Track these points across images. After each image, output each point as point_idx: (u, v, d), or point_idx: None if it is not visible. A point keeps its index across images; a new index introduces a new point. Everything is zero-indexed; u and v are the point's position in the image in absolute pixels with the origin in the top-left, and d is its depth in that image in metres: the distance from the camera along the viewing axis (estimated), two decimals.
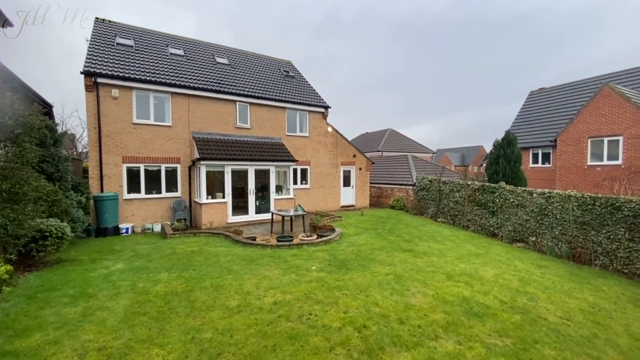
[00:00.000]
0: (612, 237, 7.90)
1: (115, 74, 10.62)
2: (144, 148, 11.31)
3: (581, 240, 8.59)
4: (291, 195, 13.40)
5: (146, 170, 11.44)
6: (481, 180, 13.24)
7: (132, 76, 10.87)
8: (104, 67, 10.67)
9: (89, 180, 10.52)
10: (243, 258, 6.93)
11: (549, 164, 17.54)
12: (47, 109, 13.72)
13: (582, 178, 14.06)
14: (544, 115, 19.34)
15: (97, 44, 11.88)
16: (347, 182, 16.58)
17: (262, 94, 13.76)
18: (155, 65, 12.25)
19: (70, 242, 6.70)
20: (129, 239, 9.26)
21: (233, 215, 11.99)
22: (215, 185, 11.99)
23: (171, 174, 11.94)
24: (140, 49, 12.90)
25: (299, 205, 14.63)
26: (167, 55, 13.34)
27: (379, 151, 29.03)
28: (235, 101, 13.12)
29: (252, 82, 14.36)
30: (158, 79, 11.40)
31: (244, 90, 13.33)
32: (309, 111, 15.13)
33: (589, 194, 8.55)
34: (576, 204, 8.73)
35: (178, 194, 12.04)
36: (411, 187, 16.05)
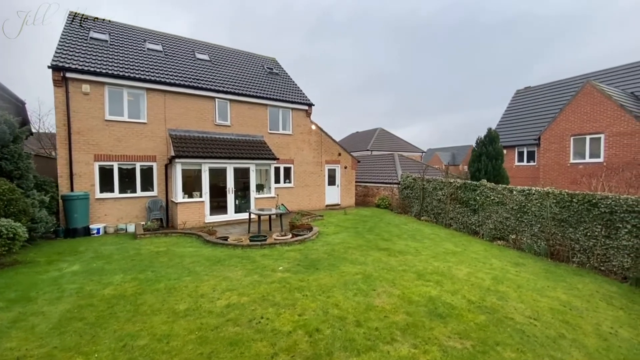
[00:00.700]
0: (589, 234, 7.79)
1: (86, 68, 10.23)
2: (117, 146, 10.93)
3: (559, 238, 8.48)
4: (272, 194, 13.13)
5: (120, 169, 11.07)
6: (464, 178, 13.13)
7: (103, 71, 10.50)
8: (74, 62, 10.27)
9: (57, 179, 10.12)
10: (209, 259, 6.65)
11: (534, 162, 17.54)
12: (19, 105, 13.29)
13: (565, 176, 14.04)
14: (530, 113, 19.36)
15: (69, 37, 11.47)
16: (332, 181, 16.36)
17: (242, 90, 13.46)
18: (131, 60, 11.87)
19: (35, 243, 6.35)
20: (97, 239, 8.90)
21: (211, 215, 11.67)
22: (193, 184, 11.65)
23: (147, 173, 11.58)
24: (116, 44, 12.51)
25: (282, 204, 14.38)
26: (144, 51, 12.97)
27: (368, 150, 28.93)
28: (214, 97, 12.80)
29: (233, 79, 14.05)
30: (132, 74, 11.03)
31: (223, 87, 13.02)
32: (292, 108, 14.87)
33: (567, 190, 8.44)
34: (554, 201, 8.62)
35: (154, 193, 11.69)
36: (396, 186, 15.89)
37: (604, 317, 4.97)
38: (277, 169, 14.36)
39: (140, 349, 3.21)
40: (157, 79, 11.51)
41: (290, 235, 8.53)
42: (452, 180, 12.18)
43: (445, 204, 12.25)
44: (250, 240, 8.09)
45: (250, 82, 14.46)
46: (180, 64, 13.28)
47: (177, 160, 10.75)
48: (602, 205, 7.50)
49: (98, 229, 10.10)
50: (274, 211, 9.79)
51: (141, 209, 11.35)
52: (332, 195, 16.35)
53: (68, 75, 9.99)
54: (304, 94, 15.72)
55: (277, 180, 14.39)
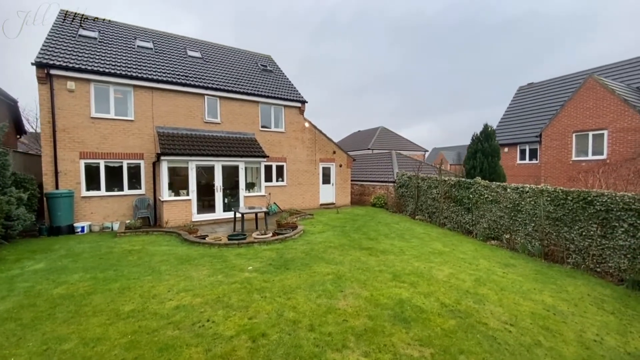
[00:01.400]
0: (584, 233, 7.34)
1: (70, 65, 10.13)
2: (103, 143, 10.82)
3: (554, 238, 8.04)
4: (262, 193, 12.90)
5: (107, 167, 10.96)
6: (460, 176, 12.69)
7: (88, 68, 10.39)
8: (59, 59, 10.19)
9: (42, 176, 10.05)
10: (180, 257, 6.43)
11: (537, 160, 16.95)
12: (11, 104, 13.33)
13: (567, 174, 13.48)
14: (532, 110, 18.75)
15: (57, 35, 11.40)
16: (326, 180, 16.05)
17: (232, 87, 13.26)
18: (119, 57, 11.76)
19: (13, 241, 6.18)
20: (77, 238, 8.77)
21: (199, 213, 11.50)
22: (180, 183, 11.48)
23: (134, 171, 11.45)
24: (105, 41, 12.43)
25: (274, 203, 14.15)
26: (133, 48, 12.86)
27: (369, 149, 28.51)
28: (203, 95, 12.62)
29: (224, 76, 13.86)
30: (118, 71, 10.91)
31: (213, 84, 12.83)
32: (285, 106, 14.62)
33: (561, 188, 8.00)
34: (548, 198, 8.18)
35: (142, 191, 11.55)
36: (392, 185, 15.52)
37: (591, 323, 4.57)
38: (269, 167, 14.13)
39: (62, 353, 2.98)
40: (144, 75, 11.37)
41: (270, 234, 8.27)
42: (446, 179, 11.76)
43: (439, 202, 11.84)
44: (229, 239, 7.85)
45: (242, 79, 14.25)
46: (171, 61, 13.14)
47: (162, 157, 10.59)
48: (598, 203, 7.05)
49: (82, 227, 9.99)
50: (256, 209, 9.53)
51: (128, 207, 11.22)
52: (327, 194, 16.05)
53: (52, 72, 9.90)
54: (297, 91, 15.46)
55: (269, 179, 14.16)
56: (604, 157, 12.28)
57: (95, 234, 9.68)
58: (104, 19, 13.83)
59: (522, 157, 17.92)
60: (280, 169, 14.58)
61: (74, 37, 11.81)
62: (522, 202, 8.88)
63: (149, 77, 11.43)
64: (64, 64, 10.04)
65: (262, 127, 14.10)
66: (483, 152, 11.56)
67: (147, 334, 3.36)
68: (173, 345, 3.16)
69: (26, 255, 6.58)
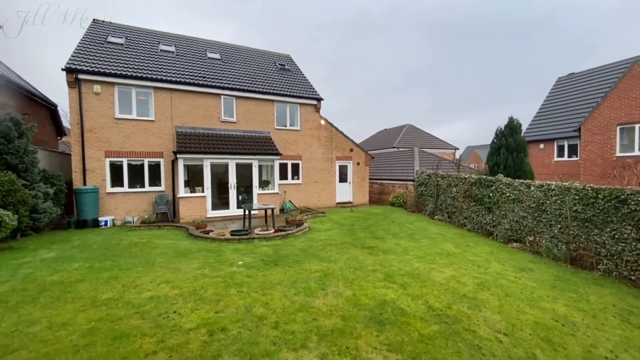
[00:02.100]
0: (617, 236, 6.46)
1: (96, 70, 10.84)
2: (126, 143, 11.46)
3: (583, 241, 7.18)
4: (276, 190, 12.94)
5: (129, 165, 11.59)
6: (483, 173, 11.85)
7: (112, 71, 11.06)
8: (86, 64, 10.94)
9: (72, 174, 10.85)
10: (178, 251, 6.58)
11: (576, 156, 15.42)
12: (51, 108, 14.57)
13: (610, 172, 12.07)
14: (572, 102, 17.07)
15: (87, 42, 12.27)
16: (343, 178, 15.78)
17: (248, 86, 13.47)
18: (142, 61, 12.41)
19: (42, 232, 6.62)
20: (98, 231, 9.34)
21: (213, 209, 11.80)
22: (196, 180, 11.86)
23: (154, 169, 12.01)
24: (131, 47, 13.17)
25: (289, 201, 14.17)
26: (156, 52, 13.51)
27: (394, 147, 27.70)
28: (220, 95, 12.94)
29: (241, 76, 14.12)
30: (139, 74, 11.50)
31: (229, 84, 13.11)
32: (300, 104, 14.59)
33: (591, 185, 7.12)
34: (576, 197, 7.32)
35: (162, 188, 12.08)
36: (411, 183, 14.89)
37: (607, 337, 3.97)
38: (284, 166, 14.17)
39: (26, 335, 3.11)
40: (164, 77, 11.89)
41: (272, 231, 8.23)
42: (466, 176, 11.02)
43: (458, 201, 11.12)
44: (231, 235, 7.92)
45: (258, 79, 14.43)
46: (190, 63, 13.63)
47: (179, 155, 10.99)
48: (633, 202, 6.17)
49: (106, 221, 10.64)
50: (262, 206, 9.53)
51: (149, 203, 11.79)
52: (344, 192, 15.77)
53: (80, 76, 10.65)
54: (313, 88, 15.36)
55: (284, 177, 14.20)
56: None
57: (116, 228, 10.25)
58: (135, 27, 14.68)
59: (560, 154, 16.39)
60: (295, 167, 14.56)
61: (103, 44, 12.64)
62: (547, 201, 8.05)
63: (168, 79, 11.94)
64: (91, 69, 10.77)
65: (278, 125, 14.17)
66: (507, 148, 10.66)
67: (111, 322, 3.42)
68: (129, 334, 3.18)
69: (45, 246, 7.10)
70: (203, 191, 11.58)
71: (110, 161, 11.27)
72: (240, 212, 11.99)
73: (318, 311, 3.92)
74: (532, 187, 8.55)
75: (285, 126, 14.38)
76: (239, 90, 13.17)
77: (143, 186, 11.81)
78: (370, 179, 17.99)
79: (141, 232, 8.93)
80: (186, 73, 12.76)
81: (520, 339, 3.71)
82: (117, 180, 11.41)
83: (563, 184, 7.70)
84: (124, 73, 11.24)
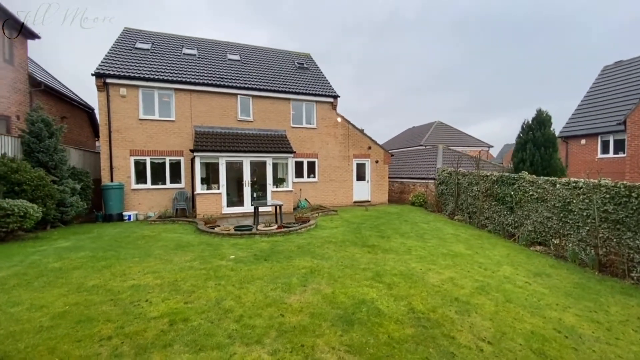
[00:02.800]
0: None
1: (122, 74, 11.57)
2: (149, 142, 12.11)
3: (614, 245, 6.37)
4: (289, 188, 12.97)
5: (152, 163, 12.23)
6: (508, 171, 10.99)
7: (136, 75, 11.73)
8: (113, 69, 11.72)
9: (100, 171, 11.67)
10: (179, 244, 6.79)
11: (624, 153, 13.80)
12: (89, 111, 15.81)
13: None
14: (619, 93, 15.30)
15: (116, 49, 13.15)
16: (361, 176, 15.46)
17: (264, 86, 13.64)
18: (164, 64, 13.05)
19: (70, 224, 7.18)
20: (120, 224, 9.95)
21: (228, 206, 12.08)
22: (213, 177, 12.23)
23: (175, 167, 12.57)
24: (156, 51, 13.91)
25: (304, 199, 14.15)
26: (179, 56, 14.14)
27: (422, 145, 26.71)
28: (236, 94, 13.25)
29: (258, 76, 14.34)
30: (161, 77, 12.10)
31: (245, 84, 13.38)
32: (317, 101, 14.51)
33: (624, 182, 6.29)
34: (607, 195, 6.51)
35: (182, 185, 12.62)
36: (432, 182, 14.22)
37: (618, 354, 3.44)
38: (300, 164, 14.18)
39: (4, 314, 3.34)
40: (183, 79, 12.40)
41: (275, 227, 8.23)
42: (487, 174, 10.28)
43: (480, 201, 10.40)
44: (235, 230, 8.04)
45: (274, 78, 14.58)
46: (210, 65, 14.10)
47: (195, 153, 11.40)
48: None
49: (129, 216, 11.32)
50: (270, 203, 9.58)
51: (170, 199, 12.35)
52: (361, 191, 15.44)
53: (108, 80, 11.42)
54: (330, 86, 15.22)
55: (300, 175, 14.21)
56: None
57: (136, 222, 10.84)
58: (156, 32, 15.51)
59: (605, 150, 14.77)
60: (311, 165, 14.51)
61: (131, 49, 13.47)
62: (574, 200, 7.25)
63: (188, 80, 12.44)
64: (117, 73, 11.51)
65: (294, 123, 14.21)
66: (534, 143, 9.75)
67: (84, 307, 3.57)
68: (94, 319, 3.30)
69: (66, 236, 7.67)
70: (219, 188, 11.90)
71: (134, 159, 11.95)
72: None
73: (289, 307, 3.81)
74: (557, 185, 7.76)
75: (302, 124, 14.38)
76: (255, 89, 13.39)
77: (164, 183, 12.40)
78: (390, 177, 17.47)
79: (155, 226, 9.37)
80: (205, 74, 13.21)
81: (506, 349, 3.33)
82: (141, 177, 12.08)
83: (591, 180, 6.88)
84: (147, 76, 11.87)
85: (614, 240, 6.38)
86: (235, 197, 12.36)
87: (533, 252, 7.66)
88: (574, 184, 7.31)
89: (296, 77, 15.26)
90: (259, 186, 12.67)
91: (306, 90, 14.29)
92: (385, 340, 3.24)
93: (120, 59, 12.49)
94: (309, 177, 14.48)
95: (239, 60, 15.29)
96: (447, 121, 37.82)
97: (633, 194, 6.01)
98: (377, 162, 15.61)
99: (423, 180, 15.06)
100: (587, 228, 6.92)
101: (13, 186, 7.66)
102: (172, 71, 12.74)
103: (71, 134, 14.27)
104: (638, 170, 11.25)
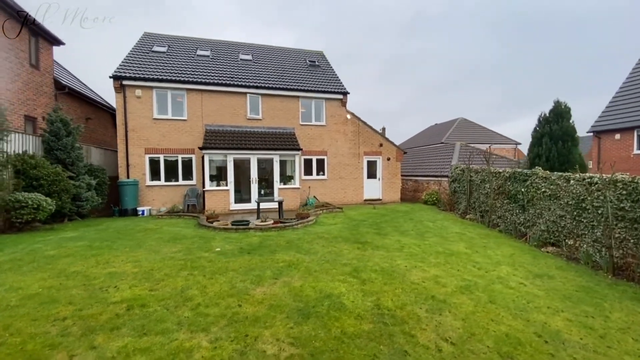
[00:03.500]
0: None
1: (137, 75, 12.15)
2: (163, 140, 12.62)
3: (631, 246, 5.75)
4: (297, 185, 13.00)
5: (165, 160, 12.74)
6: (524, 167, 10.30)
7: (150, 76, 12.27)
8: (129, 71, 12.33)
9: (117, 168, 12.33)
10: (174, 236, 7.00)
11: None
12: (112, 113, 16.73)
13: None
14: None
15: (134, 52, 13.83)
16: (372, 174, 15.16)
17: (273, 84, 13.76)
18: (177, 66, 13.54)
19: (87, 218, 7.68)
20: (131, 218, 10.44)
21: (236, 203, 12.32)
22: (221, 174, 12.54)
23: (187, 164, 13.00)
24: (171, 54, 14.47)
25: (313, 196, 14.11)
26: (193, 57, 14.62)
27: (443, 143, 25.75)
28: (245, 93, 13.47)
29: (267, 74, 14.50)
30: (173, 78, 12.57)
31: (254, 82, 13.57)
32: (326, 99, 14.42)
33: None
34: (623, 192, 5.90)
35: (193, 182, 13.02)
36: (446, 179, 13.66)
37: None
38: (309, 161, 14.16)
39: None
40: (195, 79, 12.80)
41: (271, 222, 8.25)
42: (500, 170, 9.69)
43: (492, 199, 9.83)
44: (232, 225, 8.16)
45: (284, 76, 14.66)
46: (221, 65, 14.45)
47: (203, 151, 11.74)
48: None
49: (143, 211, 11.84)
50: (272, 199, 9.62)
51: (182, 195, 12.79)
52: (372, 189, 15.14)
53: (124, 82, 12.03)
54: (340, 82, 15.07)
55: (309, 173, 14.19)
56: None
57: (147, 217, 11.32)
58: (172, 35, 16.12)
59: None
60: (320, 163, 14.43)
61: (148, 52, 14.11)
62: (589, 198, 6.64)
63: (199, 80, 12.82)
64: (133, 75, 12.09)
65: (303, 121, 14.21)
66: (551, 136, 9.03)
67: (55, 290, 3.76)
68: (58, 301, 3.46)
69: (77, 228, 8.17)
70: (227, 185, 12.16)
71: (149, 157, 12.50)
72: (262, 205, 12.29)
73: (250, 298, 3.78)
74: (571, 181, 7.14)
75: (311, 122, 14.35)
76: (264, 88, 13.53)
77: (177, 180, 12.86)
78: (404, 175, 17.00)
79: (161, 220, 9.74)
80: (216, 75, 13.55)
81: (469, 351, 3.08)
82: (155, 174, 12.61)
83: (607, 176, 6.26)
84: (160, 77, 12.38)
85: (632, 241, 5.76)
86: (242, 194, 12.57)
87: (542, 253, 7.10)
88: (589, 180, 6.69)
89: (306, 74, 15.26)
90: (266, 183, 12.81)
91: (315, 87, 14.25)
92: (337, 335, 3.11)
93: (137, 62, 13.11)
94: (318, 174, 14.41)
95: (250, 60, 15.54)
96: (478, 120, 36.14)
97: None
98: (389, 159, 15.24)
99: (437, 178, 14.51)
100: (602, 227, 6.30)
101: (32, 181, 8.27)
102: (184, 72, 13.18)
103: (95, 134, 15.21)
104: None
